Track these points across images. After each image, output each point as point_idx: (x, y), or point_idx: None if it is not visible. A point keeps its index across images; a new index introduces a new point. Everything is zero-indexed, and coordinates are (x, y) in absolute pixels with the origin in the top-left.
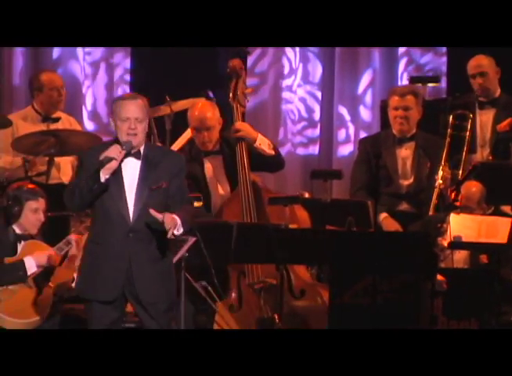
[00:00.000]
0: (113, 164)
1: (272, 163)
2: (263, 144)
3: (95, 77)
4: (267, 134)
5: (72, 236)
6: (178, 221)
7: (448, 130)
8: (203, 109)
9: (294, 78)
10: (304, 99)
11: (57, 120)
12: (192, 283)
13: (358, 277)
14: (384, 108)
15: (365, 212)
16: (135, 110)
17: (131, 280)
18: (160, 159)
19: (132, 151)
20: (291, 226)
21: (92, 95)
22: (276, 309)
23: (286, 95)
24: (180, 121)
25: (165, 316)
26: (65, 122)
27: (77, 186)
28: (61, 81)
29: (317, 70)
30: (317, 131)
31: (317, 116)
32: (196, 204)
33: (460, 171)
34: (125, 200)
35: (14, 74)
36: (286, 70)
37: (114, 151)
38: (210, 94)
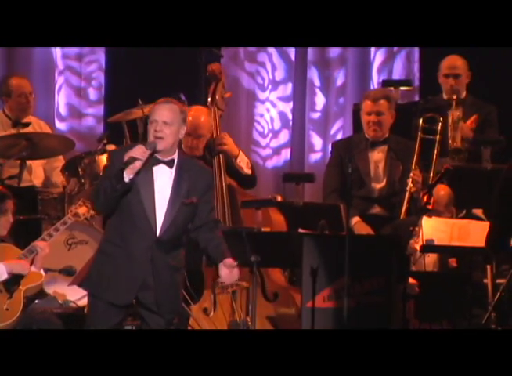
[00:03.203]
0: (137, 165)
1: (246, 181)
2: (242, 162)
3: (68, 74)
4: (239, 142)
5: (36, 244)
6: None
7: (419, 133)
8: (197, 115)
9: (269, 90)
10: (275, 110)
11: (27, 125)
12: None
13: (330, 280)
14: (356, 112)
15: (337, 215)
16: (163, 113)
17: (148, 287)
18: (193, 172)
19: (164, 158)
20: (264, 230)
21: (63, 94)
22: (249, 311)
23: (258, 106)
24: None
25: (173, 326)
26: (35, 126)
27: (102, 185)
28: (30, 87)
29: (288, 82)
30: (286, 140)
31: (286, 125)
32: None
33: (431, 175)
34: (154, 209)
35: None
36: (266, 82)
37: (138, 151)
38: (183, 97)
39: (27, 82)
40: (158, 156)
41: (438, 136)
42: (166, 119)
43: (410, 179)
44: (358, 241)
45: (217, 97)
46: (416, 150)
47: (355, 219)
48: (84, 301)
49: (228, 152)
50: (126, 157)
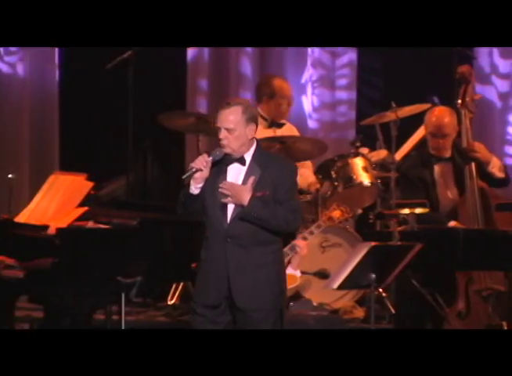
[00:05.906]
0: (204, 174)
1: (498, 183)
2: (495, 167)
3: (320, 71)
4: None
5: (297, 242)
6: (245, 196)
7: None
8: (440, 115)
9: None
10: None
11: (282, 125)
12: (419, 290)
13: None
14: None
15: None
16: (224, 119)
17: (230, 286)
18: (268, 166)
19: (236, 156)
20: None
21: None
22: (505, 316)
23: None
24: (405, 127)
25: (263, 325)
26: (287, 129)
27: (181, 194)
28: (291, 91)
29: None
30: None
31: None
32: (422, 210)
33: None
34: (225, 204)
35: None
36: None
37: (200, 162)
38: (436, 100)
39: (289, 86)
40: (231, 156)
41: None
42: (227, 125)
43: None
44: None
45: (467, 99)
46: None
47: None
48: (339, 303)
49: (481, 159)
50: (188, 168)
